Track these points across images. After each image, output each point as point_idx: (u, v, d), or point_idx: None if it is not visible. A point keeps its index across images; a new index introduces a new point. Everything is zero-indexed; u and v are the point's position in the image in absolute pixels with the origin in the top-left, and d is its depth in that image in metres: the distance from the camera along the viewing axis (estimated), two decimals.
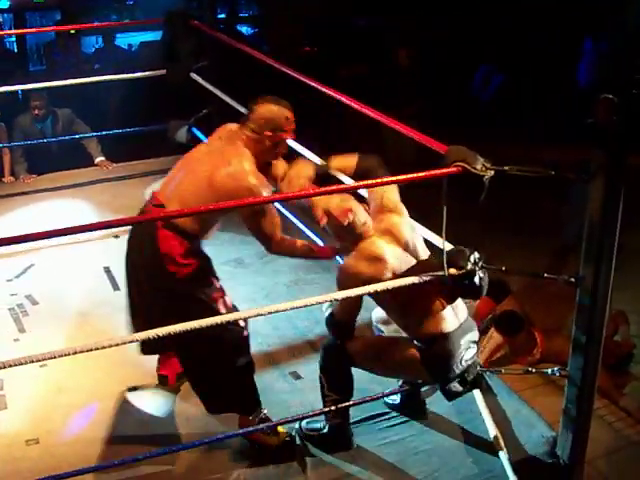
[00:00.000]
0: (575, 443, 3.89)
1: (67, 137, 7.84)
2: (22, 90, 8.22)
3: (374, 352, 4.06)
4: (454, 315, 3.91)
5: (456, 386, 4.00)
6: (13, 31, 10.83)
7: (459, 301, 3.95)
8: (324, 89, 5.31)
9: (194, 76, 7.26)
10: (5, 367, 2.98)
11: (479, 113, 9.87)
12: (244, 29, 12.18)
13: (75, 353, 3.23)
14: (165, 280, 3.91)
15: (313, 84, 5.44)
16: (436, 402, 4.45)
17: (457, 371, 3.92)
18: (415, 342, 3.90)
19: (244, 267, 5.91)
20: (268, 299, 5.48)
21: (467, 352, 3.92)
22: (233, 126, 4.14)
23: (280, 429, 4.23)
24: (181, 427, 4.35)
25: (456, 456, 4.17)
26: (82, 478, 3.78)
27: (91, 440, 4.26)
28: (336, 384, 4.12)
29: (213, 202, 3.69)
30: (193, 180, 3.97)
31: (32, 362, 3.01)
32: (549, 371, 4.00)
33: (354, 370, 4.08)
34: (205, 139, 7.57)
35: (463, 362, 3.91)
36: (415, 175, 3.59)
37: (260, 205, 3.98)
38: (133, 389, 4.56)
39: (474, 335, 3.99)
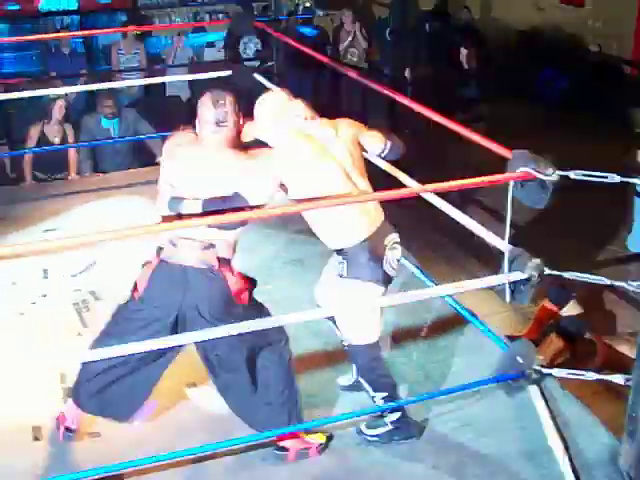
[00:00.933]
0: None
1: (132, 138, 7.95)
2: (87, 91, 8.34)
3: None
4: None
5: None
6: (80, 32, 10.96)
7: (372, 205, 4.07)
8: (386, 90, 5.34)
9: (258, 77, 7.31)
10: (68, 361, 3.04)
11: (544, 116, 9.80)
12: (307, 30, 12.21)
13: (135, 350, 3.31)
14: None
15: (375, 86, 5.46)
16: (495, 406, 4.45)
17: (390, 272, 4.06)
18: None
19: (305, 267, 5.92)
20: None
21: (392, 252, 4.07)
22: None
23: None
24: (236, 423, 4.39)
25: (515, 460, 4.15)
26: (143, 470, 3.92)
27: (150, 435, 4.32)
28: (376, 383, 4.16)
29: None
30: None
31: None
32: (612, 378, 3.97)
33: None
34: None
35: (393, 262, 4.07)
36: (480, 180, 3.60)
37: None
38: (192, 385, 4.63)
39: (395, 236, 4.14)
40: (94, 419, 4.33)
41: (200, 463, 4.08)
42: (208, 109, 3.92)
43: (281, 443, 4.14)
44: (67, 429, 4.26)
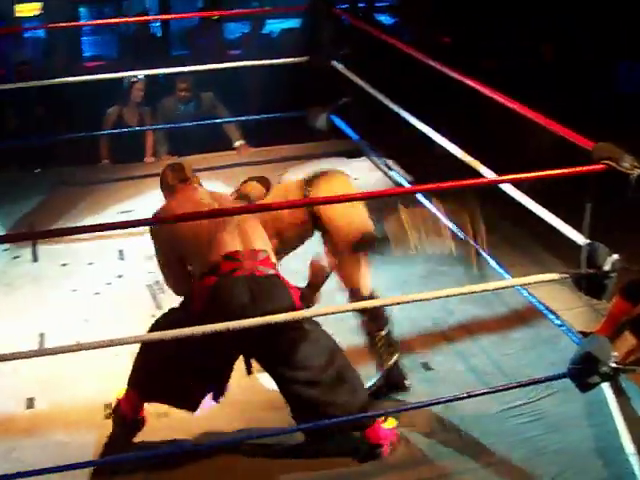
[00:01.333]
0: None
1: (208, 121, 8.00)
2: (165, 74, 8.40)
3: None
4: None
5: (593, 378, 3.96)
6: (159, 17, 11.05)
7: None
8: (465, 79, 5.30)
9: (335, 64, 7.31)
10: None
11: (624, 109, 9.62)
12: (383, 18, 12.16)
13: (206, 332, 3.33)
14: None
15: (454, 74, 5.42)
16: (566, 402, 4.40)
17: None
18: None
19: (379, 256, 5.88)
20: (401, 289, 5.46)
21: None
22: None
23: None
24: None
25: (585, 458, 4.10)
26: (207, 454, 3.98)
27: (217, 417, 4.34)
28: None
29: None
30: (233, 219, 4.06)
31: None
32: None
33: None
34: (345, 127, 7.68)
35: None
36: (560, 171, 3.56)
37: None
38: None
39: None
40: None
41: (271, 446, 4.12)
42: None
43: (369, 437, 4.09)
44: (128, 419, 4.24)
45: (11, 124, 8.54)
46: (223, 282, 3.86)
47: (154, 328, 4.02)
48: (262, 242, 4.09)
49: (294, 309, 3.91)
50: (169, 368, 3.96)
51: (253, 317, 3.60)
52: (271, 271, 3.98)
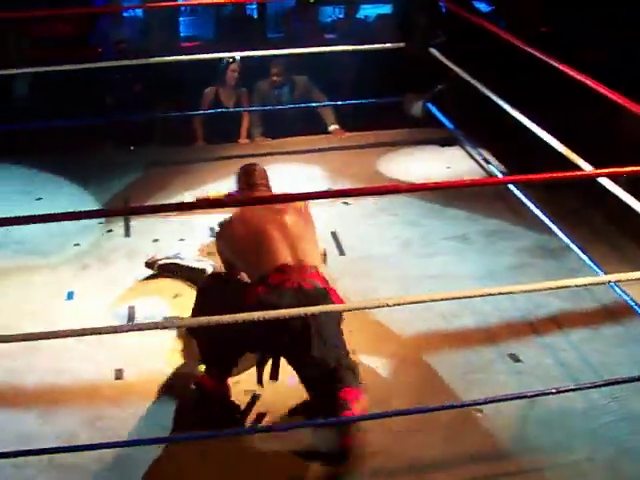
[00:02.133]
0: None
1: (303, 105, 8.02)
2: (260, 57, 8.45)
3: None
4: None
5: None
6: None
7: None
8: (564, 68, 5.22)
9: (432, 51, 7.26)
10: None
11: None
12: (481, 5, 12.01)
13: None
14: None
15: (554, 63, 5.35)
16: None
17: None
18: None
19: (468, 244, 5.87)
20: (490, 279, 5.41)
21: None
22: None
23: None
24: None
25: None
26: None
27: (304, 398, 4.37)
28: None
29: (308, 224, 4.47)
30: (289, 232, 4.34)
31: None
32: None
33: None
34: (440, 115, 7.64)
35: None
36: None
37: None
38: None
39: None
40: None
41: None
42: None
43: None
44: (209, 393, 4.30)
45: (108, 102, 8.69)
46: (271, 292, 4.10)
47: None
48: (312, 257, 4.32)
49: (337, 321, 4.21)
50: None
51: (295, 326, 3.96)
52: (318, 284, 4.19)
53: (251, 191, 4.72)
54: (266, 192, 4.71)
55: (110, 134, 8.38)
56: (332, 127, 8.10)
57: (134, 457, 3.96)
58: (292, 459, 3.97)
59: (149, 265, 5.51)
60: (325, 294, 4.17)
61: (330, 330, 4.14)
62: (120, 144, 8.35)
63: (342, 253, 5.77)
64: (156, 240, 6.00)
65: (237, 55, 7.94)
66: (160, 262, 5.49)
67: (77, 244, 5.95)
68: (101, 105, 8.67)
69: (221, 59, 8.05)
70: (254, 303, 4.04)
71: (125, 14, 10.07)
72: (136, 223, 6.20)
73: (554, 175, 3.65)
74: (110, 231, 6.15)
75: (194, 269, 5.38)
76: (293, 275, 4.15)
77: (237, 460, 3.98)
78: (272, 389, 4.34)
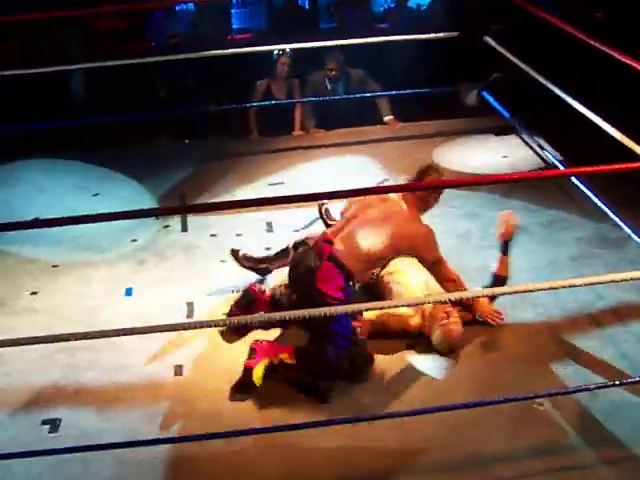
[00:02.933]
0: None
1: (357, 95, 7.98)
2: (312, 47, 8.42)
3: None
4: None
5: None
6: None
7: None
8: (617, 55, 5.14)
9: (488, 40, 7.19)
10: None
11: None
12: None
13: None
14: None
15: (607, 50, 5.27)
16: None
17: None
18: None
19: (528, 235, 5.80)
20: (550, 270, 5.37)
21: None
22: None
23: None
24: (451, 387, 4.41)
25: None
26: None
27: (364, 392, 4.41)
28: None
29: (382, 245, 4.55)
30: (363, 226, 4.65)
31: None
32: None
33: None
34: (495, 104, 7.57)
35: None
36: None
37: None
38: (412, 347, 4.70)
39: None
40: None
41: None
42: None
43: None
44: None
45: (161, 95, 8.74)
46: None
47: None
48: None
49: None
50: None
51: None
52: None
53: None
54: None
55: (164, 128, 8.43)
56: (387, 118, 8.05)
57: (196, 453, 3.98)
58: (347, 452, 3.99)
59: (234, 253, 5.46)
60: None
61: None
62: (174, 138, 8.40)
63: None
64: (213, 235, 6.02)
65: (287, 47, 7.92)
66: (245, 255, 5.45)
67: (134, 240, 6.00)
68: (155, 99, 8.71)
69: (272, 52, 8.03)
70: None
71: (177, 8, 10.11)
72: (193, 218, 6.22)
73: (616, 167, 3.58)
74: (167, 226, 6.18)
75: (278, 252, 5.37)
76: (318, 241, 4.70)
77: (297, 454, 3.99)
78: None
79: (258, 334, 4.76)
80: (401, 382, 4.48)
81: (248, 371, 4.37)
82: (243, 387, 4.38)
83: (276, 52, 8.06)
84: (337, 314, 4.25)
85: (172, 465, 3.93)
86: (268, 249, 5.66)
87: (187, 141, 8.22)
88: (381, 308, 4.66)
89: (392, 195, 4.79)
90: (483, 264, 4.92)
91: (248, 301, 4.90)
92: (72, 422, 4.23)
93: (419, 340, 4.73)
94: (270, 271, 5.34)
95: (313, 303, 4.21)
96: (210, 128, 8.50)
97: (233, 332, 4.83)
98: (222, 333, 4.86)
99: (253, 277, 5.34)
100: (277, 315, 3.84)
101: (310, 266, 4.52)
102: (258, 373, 4.36)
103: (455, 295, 4.40)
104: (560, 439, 4.04)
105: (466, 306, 4.85)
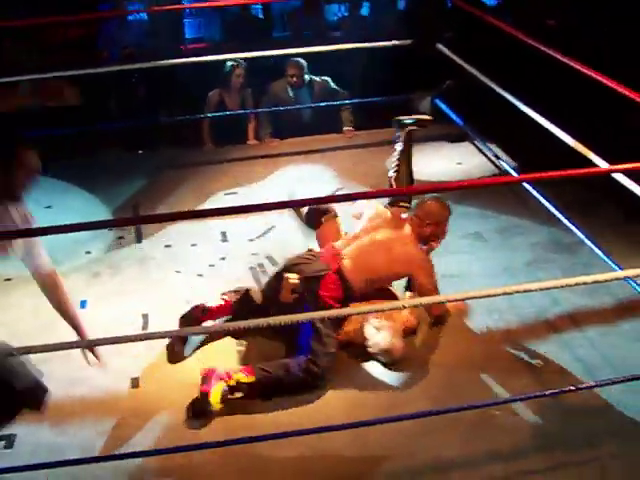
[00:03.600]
0: None
1: (313, 105, 8.00)
2: (270, 57, 8.39)
3: None
4: None
5: None
6: None
7: None
8: (569, 62, 5.20)
9: (440, 47, 7.22)
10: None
11: None
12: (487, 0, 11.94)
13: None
14: None
15: (559, 57, 5.32)
16: None
17: None
18: None
19: (482, 242, 5.85)
20: (505, 275, 5.41)
21: None
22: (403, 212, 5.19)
23: None
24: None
25: None
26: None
27: (322, 402, 4.40)
28: None
29: (386, 267, 4.83)
30: (371, 247, 4.88)
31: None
32: None
33: None
34: (449, 111, 7.60)
35: None
36: None
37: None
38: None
39: None
40: None
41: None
42: None
43: None
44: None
45: (114, 106, 8.68)
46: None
47: None
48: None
49: None
50: None
51: None
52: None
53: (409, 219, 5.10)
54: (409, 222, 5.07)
55: (117, 139, 8.37)
56: (345, 128, 8.04)
57: (153, 467, 3.95)
58: (305, 463, 3.99)
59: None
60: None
61: None
62: (128, 149, 8.33)
63: None
64: (168, 246, 5.99)
65: (242, 57, 7.89)
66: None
67: (88, 252, 5.93)
68: (108, 109, 8.65)
69: (225, 63, 8.01)
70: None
71: (130, 18, 10.05)
72: (147, 229, 6.17)
73: (569, 173, 3.59)
74: (121, 238, 6.12)
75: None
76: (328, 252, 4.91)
77: (255, 466, 3.96)
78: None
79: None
80: (360, 391, 4.47)
81: (204, 395, 4.32)
82: (201, 412, 4.32)
83: (230, 64, 8.03)
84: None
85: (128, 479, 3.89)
86: (223, 259, 5.66)
87: (140, 152, 8.16)
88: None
89: (402, 217, 5.05)
90: (438, 271, 4.92)
91: (191, 320, 4.88)
92: (27, 437, 4.17)
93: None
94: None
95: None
96: (163, 139, 8.45)
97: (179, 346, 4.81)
98: (168, 347, 4.83)
99: (207, 286, 5.34)
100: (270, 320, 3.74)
101: (318, 271, 4.73)
102: (216, 397, 4.32)
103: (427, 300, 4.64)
104: (517, 444, 4.06)
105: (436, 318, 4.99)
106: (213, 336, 4.89)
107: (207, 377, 4.36)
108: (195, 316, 4.88)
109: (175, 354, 4.76)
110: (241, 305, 4.93)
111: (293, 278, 4.71)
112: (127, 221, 6.34)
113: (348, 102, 8.02)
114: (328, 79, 8.21)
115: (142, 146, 8.25)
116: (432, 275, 4.87)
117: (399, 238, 4.91)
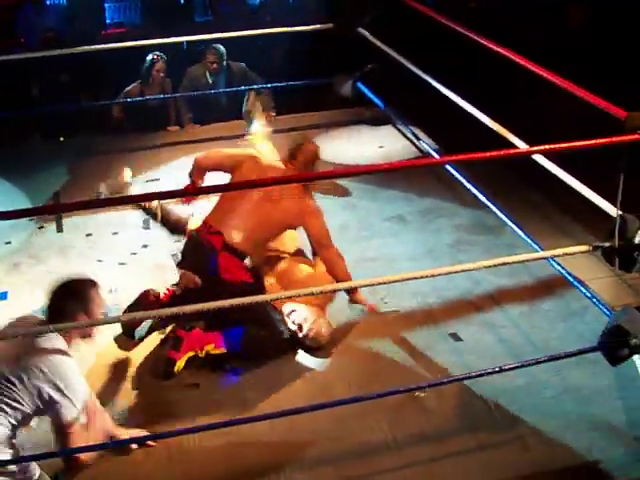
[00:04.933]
0: None
1: (235, 89, 7.92)
2: (187, 41, 8.33)
3: None
4: None
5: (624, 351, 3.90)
6: None
7: None
8: (490, 45, 5.24)
9: (361, 31, 7.23)
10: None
11: None
12: None
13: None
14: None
15: (480, 40, 5.36)
16: (596, 375, 4.34)
17: None
18: None
19: (406, 224, 5.88)
20: (429, 258, 5.44)
21: None
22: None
23: None
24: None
25: (617, 430, 4.04)
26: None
27: (248, 389, 4.40)
28: None
29: (276, 225, 4.72)
30: (252, 207, 4.69)
31: None
32: None
33: None
34: (370, 94, 7.61)
35: None
36: (594, 141, 3.50)
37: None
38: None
39: None
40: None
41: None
42: None
43: None
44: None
45: (35, 92, 8.53)
46: (191, 236, 4.87)
47: None
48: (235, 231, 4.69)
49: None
50: None
51: None
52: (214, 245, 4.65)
53: (286, 162, 4.96)
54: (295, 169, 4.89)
55: (37, 126, 8.23)
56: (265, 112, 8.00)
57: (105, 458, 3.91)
58: (235, 449, 3.98)
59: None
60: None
61: None
62: (48, 136, 8.20)
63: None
64: (89, 235, 5.92)
65: (164, 41, 7.80)
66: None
67: (8, 242, 5.85)
68: (27, 96, 8.50)
69: (145, 57, 7.92)
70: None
71: (48, 2, 9.88)
72: (68, 218, 6.08)
73: (489, 154, 3.61)
74: (42, 227, 6.04)
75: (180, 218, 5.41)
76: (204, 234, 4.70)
77: (185, 454, 3.95)
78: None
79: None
80: (286, 377, 4.48)
81: (171, 361, 4.46)
82: (165, 375, 4.45)
83: (150, 58, 7.93)
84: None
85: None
86: (145, 247, 5.61)
87: (62, 139, 8.04)
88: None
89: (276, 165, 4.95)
90: (361, 255, 4.95)
91: (142, 305, 4.81)
92: None
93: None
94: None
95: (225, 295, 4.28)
96: (85, 126, 8.33)
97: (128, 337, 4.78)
98: (116, 340, 4.79)
99: (130, 274, 5.29)
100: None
101: (209, 265, 4.64)
102: (180, 365, 4.46)
103: (347, 285, 4.59)
104: (443, 426, 4.10)
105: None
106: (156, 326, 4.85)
107: (179, 340, 4.49)
108: (147, 302, 4.83)
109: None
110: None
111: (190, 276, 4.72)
112: (45, 209, 6.21)
113: (270, 86, 7.98)
114: (243, 65, 8.17)
115: (62, 134, 8.12)
116: (324, 222, 4.78)
117: (286, 188, 4.70)
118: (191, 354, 4.48)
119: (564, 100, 4.63)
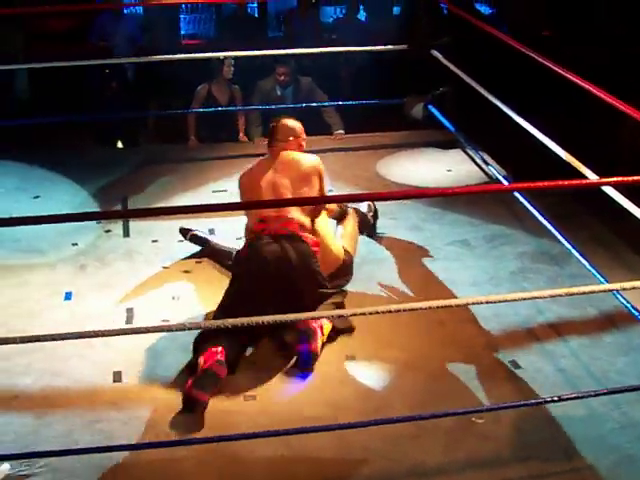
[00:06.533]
0: None
1: (305, 105, 7.95)
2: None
3: None
4: None
5: None
6: None
7: None
8: (564, 72, 5.21)
9: (435, 53, 7.24)
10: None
11: None
12: (482, 8, 11.99)
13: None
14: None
15: (553, 67, 5.33)
16: None
17: None
18: None
19: (469, 249, 5.85)
20: (491, 284, 5.40)
21: None
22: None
23: None
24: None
25: None
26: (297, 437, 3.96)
27: (304, 403, 4.38)
28: None
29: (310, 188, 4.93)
30: (276, 182, 4.94)
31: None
32: None
33: None
34: (441, 117, 7.62)
35: None
36: None
37: None
38: (352, 358, 4.69)
39: None
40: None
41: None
42: None
43: None
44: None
45: (104, 97, 8.69)
46: (254, 239, 4.80)
47: None
48: (294, 210, 4.85)
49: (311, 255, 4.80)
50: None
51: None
52: (293, 230, 4.77)
53: (270, 147, 5.17)
54: (281, 147, 5.10)
55: (106, 132, 8.37)
56: (338, 132, 8.01)
57: (133, 461, 3.93)
58: (285, 463, 3.96)
59: (183, 231, 5.76)
60: (298, 238, 4.76)
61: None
62: (104, 143, 8.35)
63: None
64: (155, 241, 5.97)
65: (235, 55, 7.91)
66: (194, 232, 5.74)
67: (75, 244, 5.91)
68: (99, 102, 8.65)
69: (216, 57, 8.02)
70: (244, 252, 4.86)
71: (126, 11, 10.07)
72: (135, 223, 6.16)
73: (559, 184, 3.60)
74: (108, 231, 6.11)
75: (222, 250, 5.56)
76: (271, 224, 4.77)
77: (235, 465, 3.95)
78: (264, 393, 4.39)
79: None
80: (341, 393, 4.45)
81: (314, 355, 4.59)
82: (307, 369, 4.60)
83: (220, 57, 8.04)
84: None
85: (107, 473, 3.86)
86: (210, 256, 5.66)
87: (121, 146, 8.18)
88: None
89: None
90: (425, 278, 4.93)
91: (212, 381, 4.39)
92: (7, 428, 4.14)
93: (359, 351, 4.73)
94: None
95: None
96: (149, 134, 8.46)
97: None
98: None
99: (194, 282, 5.34)
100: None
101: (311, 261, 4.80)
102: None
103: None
104: (498, 453, 4.05)
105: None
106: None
107: (307, 335, 4.55)
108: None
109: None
110: None
111: None
112: (115, 214, 6.31)
113: (341, 104, 8.02)
114: (310, 79, 8.23)
115: (130, 140, 8.26)
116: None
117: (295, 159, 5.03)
118: (323, 339, 4.62)
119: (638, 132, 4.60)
